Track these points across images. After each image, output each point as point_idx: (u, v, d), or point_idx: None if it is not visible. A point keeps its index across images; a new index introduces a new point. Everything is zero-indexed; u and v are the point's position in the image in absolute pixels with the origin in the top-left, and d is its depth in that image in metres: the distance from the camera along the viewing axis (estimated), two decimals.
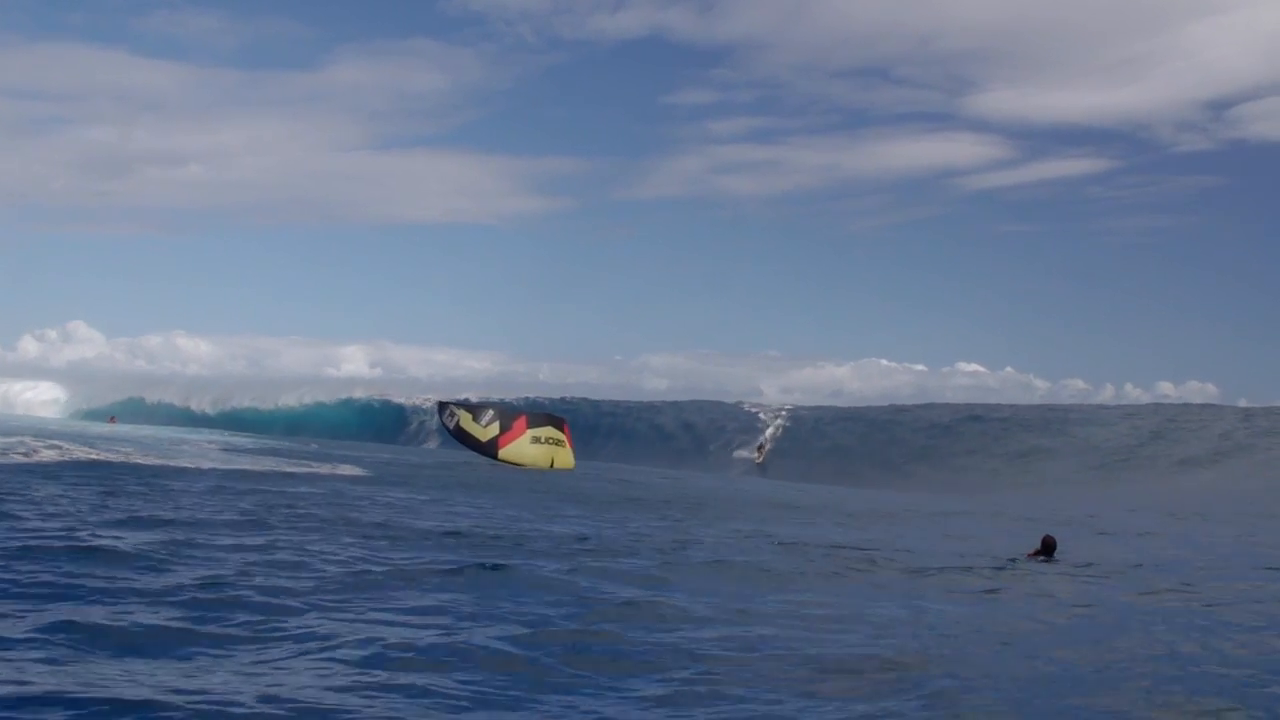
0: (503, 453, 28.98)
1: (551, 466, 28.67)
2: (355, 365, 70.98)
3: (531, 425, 29.13)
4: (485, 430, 29.08)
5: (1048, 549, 13.07)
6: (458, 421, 29.11)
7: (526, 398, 56.60)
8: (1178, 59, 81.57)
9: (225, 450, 28.13)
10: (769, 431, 51.74)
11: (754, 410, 55.28)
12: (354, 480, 19.82)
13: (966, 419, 50.17)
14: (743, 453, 50.69)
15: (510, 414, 29.45)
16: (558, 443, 29.28)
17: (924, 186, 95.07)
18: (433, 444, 54.51)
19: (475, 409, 29.57)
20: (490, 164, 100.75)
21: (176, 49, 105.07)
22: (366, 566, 9.27)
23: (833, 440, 50.16)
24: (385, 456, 32.13)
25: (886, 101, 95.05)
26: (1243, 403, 48.63)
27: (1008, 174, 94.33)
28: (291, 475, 19.87)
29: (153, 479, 16.48)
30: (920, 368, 71.72)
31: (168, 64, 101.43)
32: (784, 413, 54.54)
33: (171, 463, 20.79)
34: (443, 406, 30.10)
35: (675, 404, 58.49)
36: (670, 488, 25.10)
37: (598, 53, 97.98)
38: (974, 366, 69.88)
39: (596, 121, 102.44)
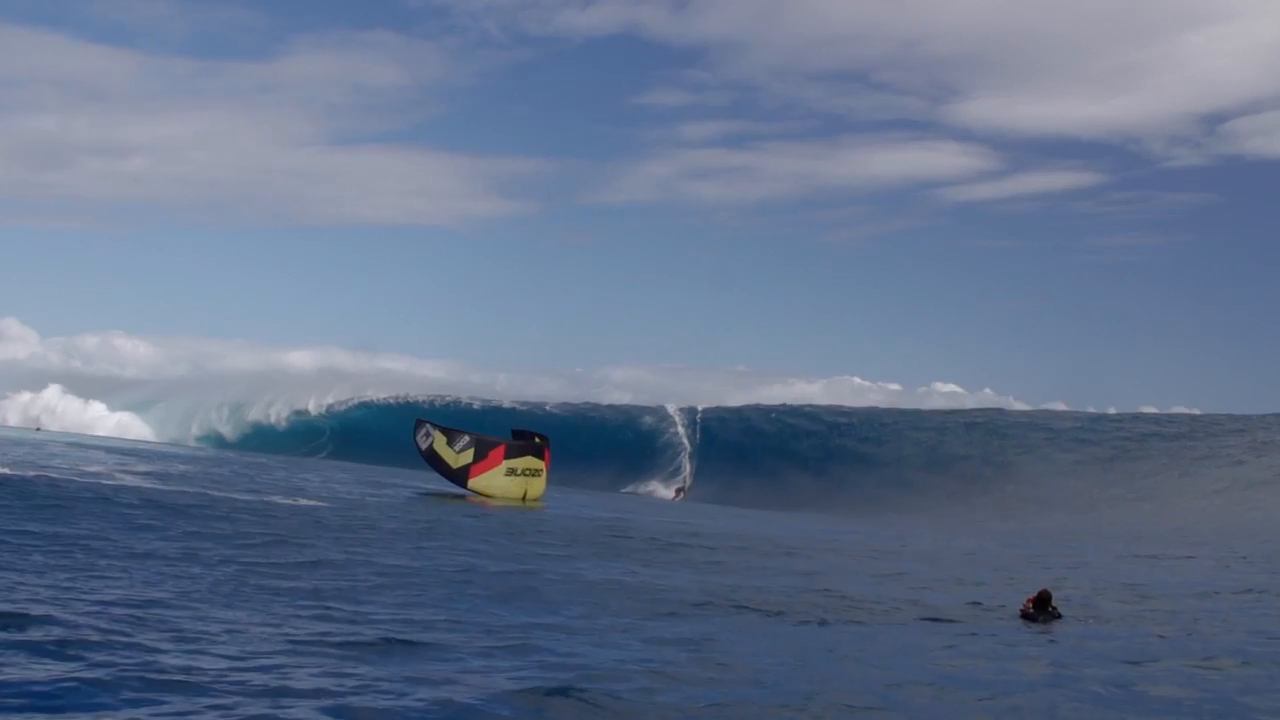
0: (472, 482, 30.42)
1: (524, 499, 30.27)
2: (303, 372, 71.97)
3: (509, 456, 30.55)
4: (458, 457, 30.58)
5: (1042, 604, 14.39)
6: (431, 443, 30.59)
7: (464, 398, 56.67)
8: (1171, 70, 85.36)
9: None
10: (687, 470, 51.84)
11: (670, 412, 55.09)
12: None
13: (891, 427, 50.94)
14: (656, 486, 50.60)
15: (487, 443, 30.80)
16: (535, 473, 30.76)
17: (903, 197, 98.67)
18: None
19: (451, 432, 30.96)
20: (450, 164, 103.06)
21: (123, 35, 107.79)
22: None
23: (757, 453, 50.69)
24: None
25: (866, 107, 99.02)
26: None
27: (991, 186, 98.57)
28: None
29: None
30: (895, 387, 73.80)
31: (113, 51, 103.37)
32: (700, 411, 54.79)
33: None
34: (419, 424, 31.45)
35: (573, 406, 58.44)
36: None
37: (566, 50, 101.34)
38: (951, 387, 72.05)
39: (562, 122, 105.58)
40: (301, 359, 77.80)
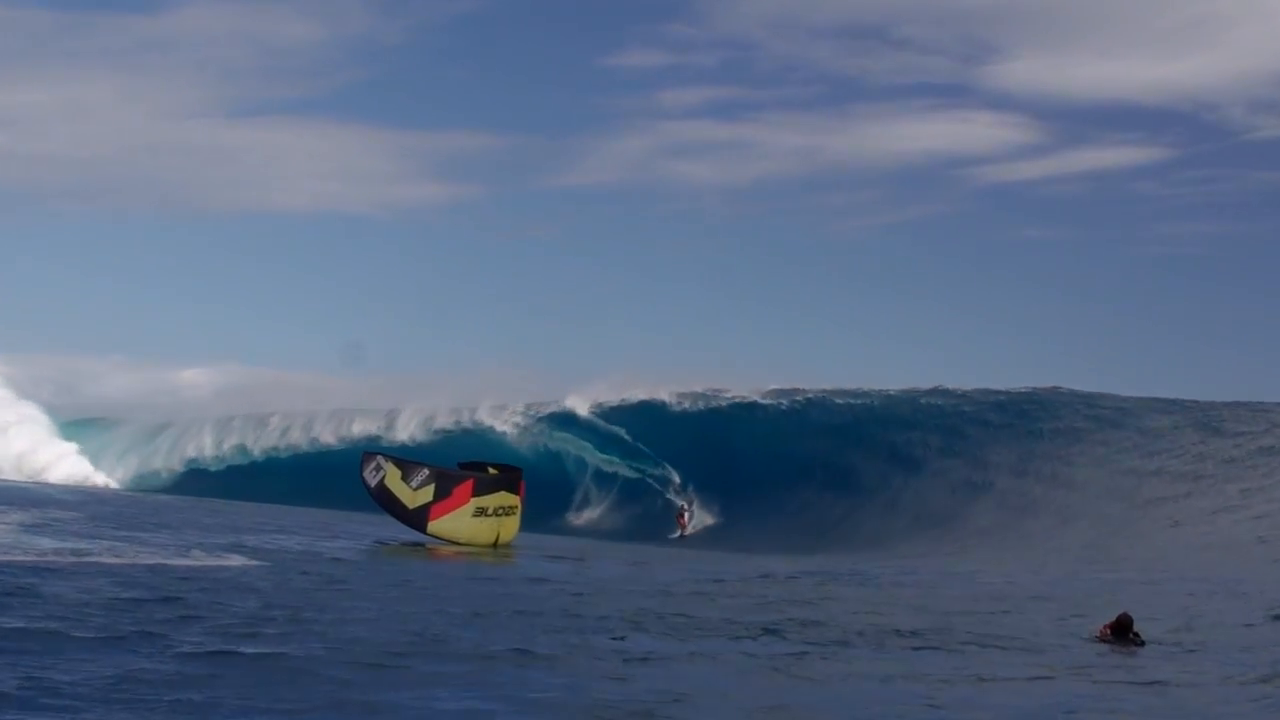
0: (433, 525, 28.74)
1: (496, 544, 28.64)
2: (197, 393, 70.08)
3: (479, 493, 28.97)
4: (415, 495, 28.87)
5: (1120, 629, 13.18)
6: (383, 478, 28.94)
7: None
8: (1254, 22, 79.46)
9: None
10: (689, 492, 45.66)
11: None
12: None
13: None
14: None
15: (451, 478, 29.29)
16: (509, 510, 29.16)
17: (929, 178, 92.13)
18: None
19: (407, 465, 29.49)
20: (377, 139, 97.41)
21: None
22: None
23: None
24: None
25: (884, 69, 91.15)
26: None
27: (1035, 164, 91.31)
28: None
29: None
30: None
31: None
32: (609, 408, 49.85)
33: None
34: (368, 457, 29.97)
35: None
36: None
37: None
38: None
39: (516, 88, 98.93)
40: (195, 378, 75.65)
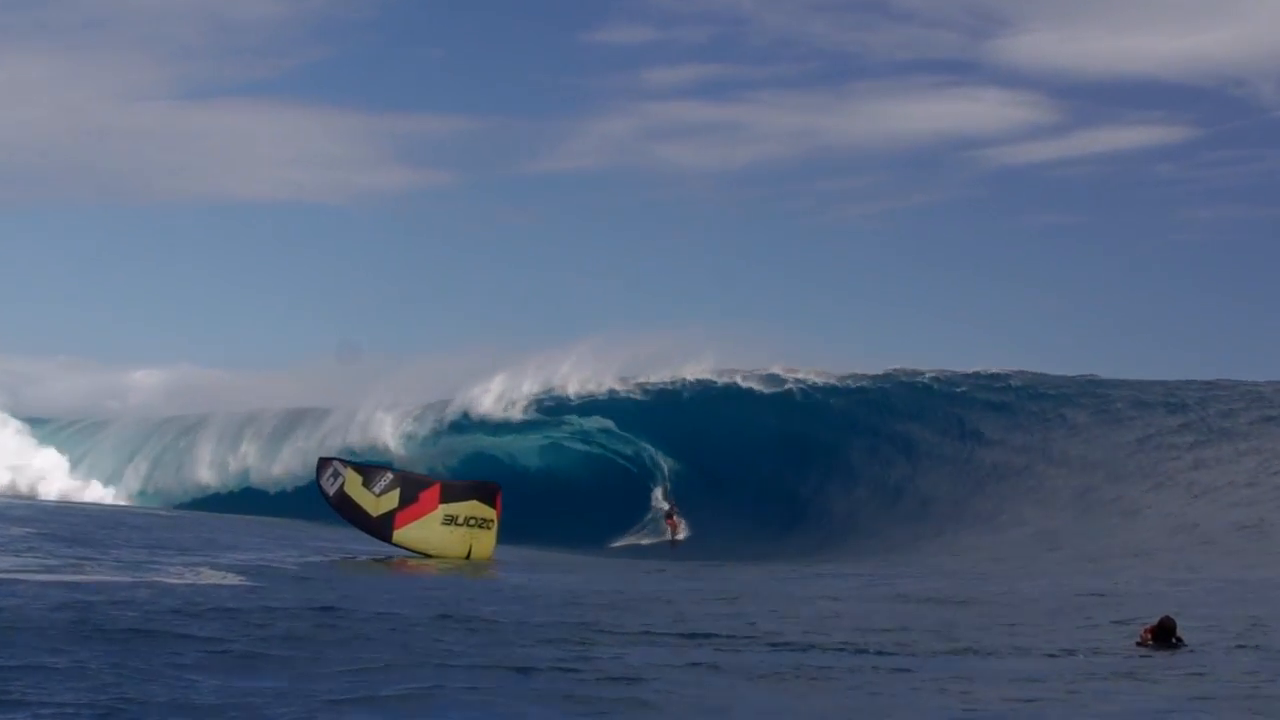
0: (398, 534, 27.93)
1: (468, 557, 27.72)
2: (148, 396, 68.89)
3: (447, 499, 28.20)
4: (379, 501, 28.07)
5: (1164, 634, 13.02)
6: (342, 484, 28.11)
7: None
8: None
9: None
10: (665, 489, 43.58)
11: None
12: None
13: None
14: None
15: (416, 483, 28.64)
16: (482, 523, 28.25)
17: (934, 161, 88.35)
18: None
19: (369, 470, 28.78)
20: (342, 122, 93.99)
21: None
22: None
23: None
24: None
25: (886, 44, 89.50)
26: None
27: (1049, 145, 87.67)
28: None
29: None
30: None
31: None
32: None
33: None
34: (324, 463, 29.09)
35: None
36: None
37: None
38: None
39: (491, 67, 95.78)
40: (148, 380, 74.42)
